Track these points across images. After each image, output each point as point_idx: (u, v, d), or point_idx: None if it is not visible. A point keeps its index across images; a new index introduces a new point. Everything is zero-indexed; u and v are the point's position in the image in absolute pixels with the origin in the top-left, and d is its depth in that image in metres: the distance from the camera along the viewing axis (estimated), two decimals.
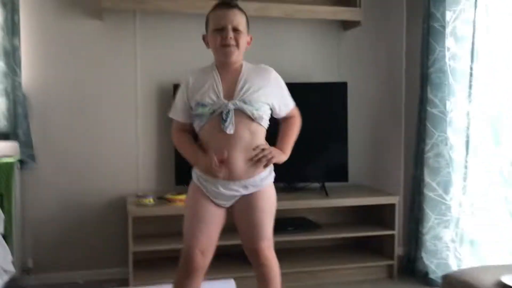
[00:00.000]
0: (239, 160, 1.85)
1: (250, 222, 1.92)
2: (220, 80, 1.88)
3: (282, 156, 1.94)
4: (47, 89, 2.86)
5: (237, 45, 1.85)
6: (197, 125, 1.90)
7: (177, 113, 1.96)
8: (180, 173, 2.90)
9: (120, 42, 2.95)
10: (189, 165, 1.94)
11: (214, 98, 1.84)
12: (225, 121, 1.82)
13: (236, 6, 1.88)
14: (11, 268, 2.31)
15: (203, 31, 1.92)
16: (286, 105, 1.99)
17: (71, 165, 2.91)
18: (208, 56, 1.93)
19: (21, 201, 2.78)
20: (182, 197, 2.72)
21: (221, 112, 1.82)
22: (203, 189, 1.89)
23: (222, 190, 1.87)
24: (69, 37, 2.88)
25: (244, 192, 1.89)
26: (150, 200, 2.72)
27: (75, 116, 2.91)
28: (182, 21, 2.98)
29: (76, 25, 2.88)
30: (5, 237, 2.42)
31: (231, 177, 1.86)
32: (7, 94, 2.74)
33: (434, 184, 2.86)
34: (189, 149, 1.93)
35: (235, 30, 1.85)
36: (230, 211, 1.94)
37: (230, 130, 1.82)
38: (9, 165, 2.65)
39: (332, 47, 3.28)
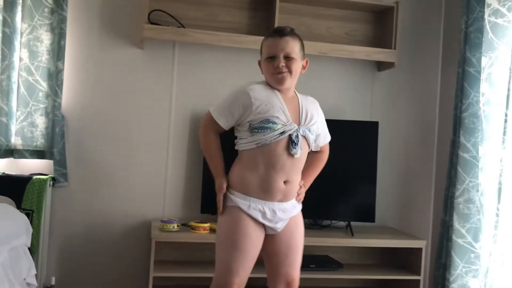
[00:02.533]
0: (295, 183, 1.89)
1: (293, 246, 1.91)
2: (284, 103, 1.86)
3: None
4: (84, 111, 2.96)
5: (290, 71, 1.86)
6: (252, 142, 1.82)
7: (223, 115, 1.85)
8: (206, 201, 2.92)
9: (158, 70, 3.04)
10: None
11: (284, 119, 1.82)
12: (296, 144, 1.81)
13: (289, 34, 1.87)
14: (34, 282, 2.35)
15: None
16: (326, 138, 2.04)
17: (100, 187, 2.97)
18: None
19: (50, 218, 2.85)
20: (206, 225, 2.74)
21: (290, 135, 1.82)
22: (255, 214, 1.83)
23: (278, 213, 1.85)
24: (110, 63, 2.99)
25: (293, 213, 1.91)
26: (174, 226, 2.74)
27: (109, 139, 2.99)
28: (219, 53, 3.04)
29: (118, 53, 3.00)
30: (31, 251, 2.48)
31: (287, 198, 1.87)
32: (46, 114, 2.85)
33: (463, 231, 2.78)
34: (217, 158, 1.90)
35: (287, 57, 1.84)
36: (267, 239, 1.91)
37: (298, 154, 1.83)
38: (42, 182, 2.73)
39: (366, 87, 3.29)
